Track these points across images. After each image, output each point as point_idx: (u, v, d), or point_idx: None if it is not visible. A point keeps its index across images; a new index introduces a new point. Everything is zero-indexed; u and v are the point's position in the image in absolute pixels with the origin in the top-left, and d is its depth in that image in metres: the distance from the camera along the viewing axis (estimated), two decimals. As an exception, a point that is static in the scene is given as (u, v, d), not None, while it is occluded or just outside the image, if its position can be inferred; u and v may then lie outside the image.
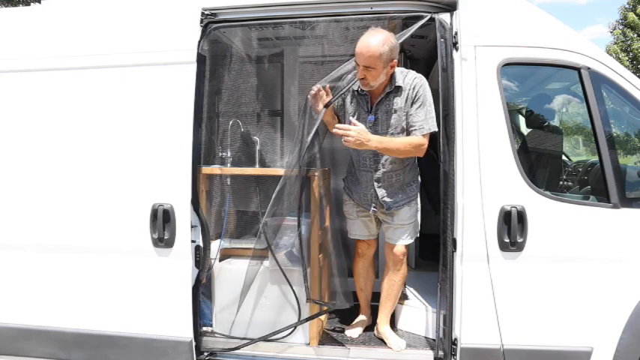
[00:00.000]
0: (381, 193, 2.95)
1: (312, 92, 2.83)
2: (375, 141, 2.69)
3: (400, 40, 2.76)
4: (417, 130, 2.77)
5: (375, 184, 2.94)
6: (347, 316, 3.52)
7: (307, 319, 2.99)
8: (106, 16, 3.07)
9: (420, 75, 2.85)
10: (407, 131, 2.83)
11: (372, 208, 3.02)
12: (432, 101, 2.81)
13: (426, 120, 2.78)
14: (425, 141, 2.80)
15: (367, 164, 2.95)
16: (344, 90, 2.85)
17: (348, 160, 3.23)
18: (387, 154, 2.84)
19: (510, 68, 2.76)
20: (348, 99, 2.97)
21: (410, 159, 2.96)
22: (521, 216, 2.60)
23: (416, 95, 2.78)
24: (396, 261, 3.06)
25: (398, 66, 2.81)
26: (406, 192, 3.01)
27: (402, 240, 3.04)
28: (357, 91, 2.90)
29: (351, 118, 2.88)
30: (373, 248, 3.27)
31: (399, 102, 2.80)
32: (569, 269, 2.63)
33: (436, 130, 2.76)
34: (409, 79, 2.82)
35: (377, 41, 2.58)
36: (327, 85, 2.87)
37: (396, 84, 2.79)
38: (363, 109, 2.91)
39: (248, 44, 3.39)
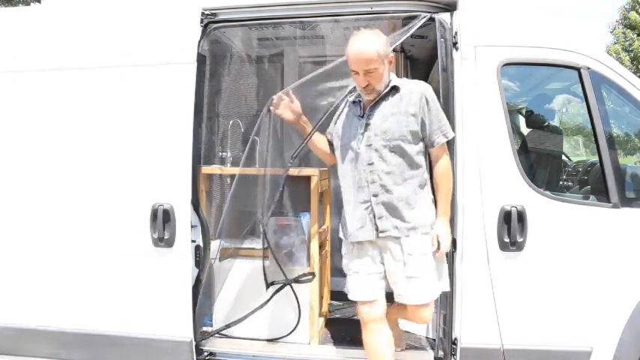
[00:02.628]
0: (378, 211, 2.45)
1: (274, 102, 2.71)
2: (444, 219, 2.48)
3: (400, 41, 2.74)
4: (442, 136, 2.45)
5: (373, 198, 2.46)
6: (347, 315, 3.52)
7: None
8: (107, 16, 3.07)
9: (420, 81, 2.60)
10: (416, 140, 2.45)
11: (369, 233, 2.47)
12: (438, 105, 2.52)
13: (445, 125, 2.49)
14: (446, 151, 2.52)
15: (362, 179, 2.48)
16: (339, 106, 2.67)
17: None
18: (448, 198, 2.50)
19: (510, 68, 2.76)
20: (340, 116, 2.67)
21: (415, 171, 2.47)
22: (521, 216, 2.60)
23: (424, 100, 2.43)
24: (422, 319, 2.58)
25: (398, 71, 2.74)
26: (415, 211, 2.45)
27: (426, 292, 2.45)
28: (353, 101, 2.61)
29: (340, 129, 2.60)
30: (383, 307, 2.54)
31: (395, 104, 2.44)
32: (569, 269, 2.63)
33: (453, 135, 2.52)
34: (409, 84, 2.53)
35: (369, 40, 2.35)
36: (290, 91, 2.75)
37: (392, 84, 2.47)
38: (355, 115, 2.56)
39: (248, 44, 3.39)
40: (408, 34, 2.75)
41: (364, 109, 2.53)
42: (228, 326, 3.06)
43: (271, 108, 2.76)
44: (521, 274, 2.64)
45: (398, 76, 2.67)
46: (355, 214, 2.49)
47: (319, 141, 2.82)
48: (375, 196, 2.43)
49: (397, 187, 2.40)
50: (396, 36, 2.75)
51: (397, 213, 2.41)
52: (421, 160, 2.47)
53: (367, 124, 2.45)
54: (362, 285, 2.51)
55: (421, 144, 2.46)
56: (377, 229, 2.43)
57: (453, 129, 2.64)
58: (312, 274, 3.03)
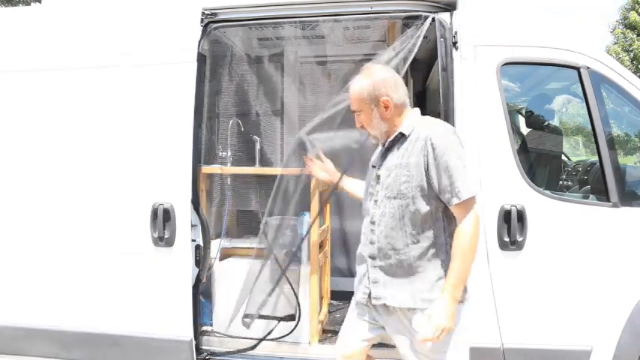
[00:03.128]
0: (374, 275, 2.11)
1: (307, 167, 2.66)
2: (447, 297, 1.93)
3: (415, 50, 2.62)
4: (453, 198, 1.93)
5: (370, 260, 2.12)
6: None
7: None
8: (107, 16, 3.08)
9: (440, 122, 2.13)
10: (425, 198, 2.00)
11: (362, 294, 2.15)
12: (462, 153, 1.98)
13: (461, 180, 1.92)
14: (471, 211, 1.94)
15: (365, 234, 2.18)
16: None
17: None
18: (462, 274, 1.94)
19: (510, 68, 2.76)
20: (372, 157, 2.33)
21: (422, 235, 2.03)
22: (521, 215, 2.60)
23: (429, 148, 1.96)
24: None
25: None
26: (419, 282, 2.02)
27: None
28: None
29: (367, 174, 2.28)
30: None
31: (401, 155, 2.05)
32: (569, 268, 2.63)
33: (476, 193, 1.95)
34: (420, 127, 2.05)
35: (358, 79, 2.11)
36: (320, 151, 2.70)
37: (400, 130, 2.08)
38: (372, 163, 2.27)
39: (248, 44, 3.40)
40: (420, 40, 2.66)
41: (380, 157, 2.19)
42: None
43: (306, 170, 2.71)
44: (521, 273, 2.64)
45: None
46: (358, 268, 2.22)
47: (353, 188, 2.61)
48: (373, 258, 2.10)
49: (397, 252, 2.03)
50: (408, 42, 2.67)
51: (396, 281, 2.04)
52: (433, 221, 2.01)
53: (377, 176, 2.13)
54: (346, 336, 2.28)
55: (435, 202, 2.00)
56: (369, 294, 2.11)
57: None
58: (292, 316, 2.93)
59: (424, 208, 1.98)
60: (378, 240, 2.07)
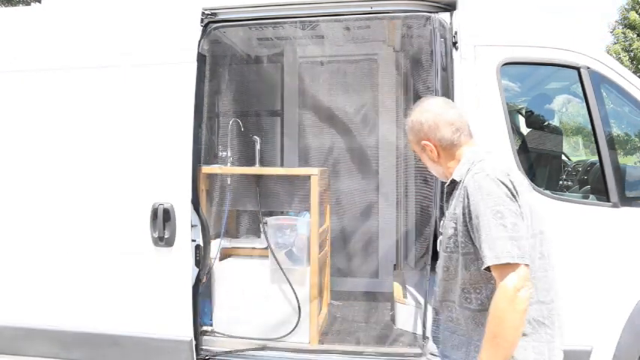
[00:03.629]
0: (434, 329, 1.92)
1: None
2: None
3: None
4: (482, 261, 1.58)
5: (433, 312, 1.93)
6: (347, 315, 3.52)
7: None
8: (107, 16, 3.07)
9: (491, 163, 1.70)
10: (471, 255, 1.69)
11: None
12: (500, 209, 1.57)
13: (489, 242, 1.55)
14: (503, 282, 1.53)
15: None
16: None
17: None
18: (500, 347, 1.55)
19: (510, 68, 2.76)
20: None
21: (472, 295, 1.72)
22: (521, 215, 2.59)
23: (465, 199, 1.68)
24: None
25: (398, 73, 2.49)
26: (472, 351, 1.72)
27: None
28: None
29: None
30: None
31: (451, 204, 1.80)
32: (569, 268, 2.63)
33: (510, 261, 1.52)
34: (470, 173, 1.71)
35: (409, 116, 1.89)
36: None
37: (453, 177, 1.80)
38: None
39: (248, 44, 3.40)
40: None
41: None
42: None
43: None
44: (521, 273, 2.64)
45: (406, 87, 2.45)
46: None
47: None
48: (436, 312, 1.91)
49: (451, 311, 1.80)
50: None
51: (452, 343, 1.81)
52: (485, 282, 1.69)
53: (442, 224, 1.90)
54: None
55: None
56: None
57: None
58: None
59: (472, 266, 1.68)
60: (439, 294, 1.87)
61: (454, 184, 1.78)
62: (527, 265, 1.54)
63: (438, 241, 1.89)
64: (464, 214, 1.67)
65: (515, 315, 1.53)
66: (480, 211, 1.59)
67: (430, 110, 1.84)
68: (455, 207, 1.73)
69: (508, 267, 1.53)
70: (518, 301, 1.52)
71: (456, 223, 1.72)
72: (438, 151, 1.83)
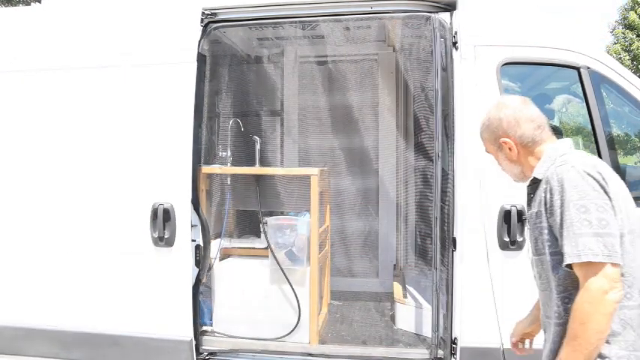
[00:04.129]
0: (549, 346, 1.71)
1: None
2: None
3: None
4: (567, 256, 1.48)
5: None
6: (347, 315, 3.52)
7: None
8: (107, 16, 3.07)
9: (577, 157, 1.60)
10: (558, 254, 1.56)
11: None
12: (585, 204, 1.48)
13: (569, 237, 1.48)
14: (587, 281, 1.44)
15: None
16: None
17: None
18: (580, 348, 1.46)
19: (510, 68, 2.76)
20: None
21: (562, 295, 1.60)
22: (521, 215, 2.60)
23: (548, 194, 1.58)
24: None
25: (398, 73, 2.53)
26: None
27: None
28: None
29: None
30: None
31: (534, 203, 1.70)
32: (569, 268, 2.63)
33: (593, 259, 1.42)
34: (555, 164, 1.63)
35: (483, 119, 1.83)
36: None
37: (534, 175, 1.71)
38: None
39: (248, 44, 3.40)
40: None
41: None
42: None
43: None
44: (521, 273, 2.64)
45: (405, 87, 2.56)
46: None
47: None
48: (543, 327, 1.81)
49: (550, 320, 1.68)
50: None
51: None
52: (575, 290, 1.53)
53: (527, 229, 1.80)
54: None
55: None
56: None
57: (453, 129, 2.62)
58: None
59: (561, 268, 1.54)
60: (542, 308, 1.77)
61: (536, 183, 1.69)
62: (616, 264, 1.41)
63: (527, 248, 1.77)
64: (546, 209, 1.58)
65: (599, 318, 1.42)
66: (564, 206, 1.50)
67: (510, 106, 1.76)
68: (539, 205, 1.63)
69: (592, 266, 1.43)
70: (604, 303, 1.41)
71: (541, 222, 1.62)
72: (517, 149, 1.74)
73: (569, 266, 1.47)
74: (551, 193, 1.56)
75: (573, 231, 1.47)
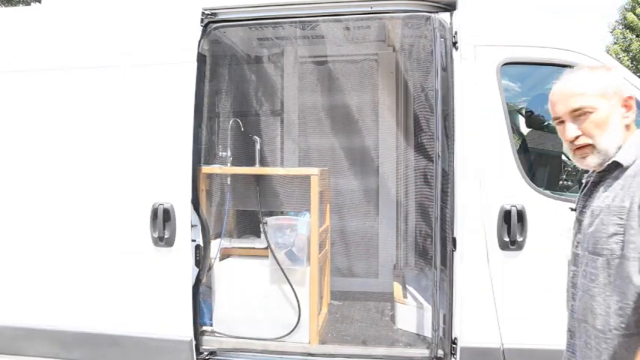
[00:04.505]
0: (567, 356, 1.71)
1: None
2: None
3: None
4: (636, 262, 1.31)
5: (567, 335, 1.76)
6: (347, 315, 3.52)
7: None
8: (107, 16, 3.07)
9: None
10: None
11: None
12: None
13: None
14: None
15: (567, 293, 1.79)
16: None
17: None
18: None
19: (510, 68, 2.76)
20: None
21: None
22: (521, 215, 2.60)
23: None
24: None
25: (398, 73, 2.59)
26: None
27: None
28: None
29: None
30: None
31: (607, 195, 1.42)
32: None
33: None
34: None
35: (585, 70, 1.54)
36: None
37: (615, 159, 1.42)
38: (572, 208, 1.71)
39: (248, 44, 3.40)
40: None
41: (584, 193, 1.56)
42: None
43: None
44: (521, 273, 2.64)
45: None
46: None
47: None
48: (571, 334, 1.69)
49: (596, 331, 1.48)
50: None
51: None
52: None
53: (579, 222, 1.57)
54: None
55: None
56: None
57: (453, 129, 2.62)
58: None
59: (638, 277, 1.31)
60: (578, 309, 1.58)
61: (608, 171, 1.43)
62: None
63: (576, 246, 1.58)
64: (631, 204, 1.33)
65: None
66: None
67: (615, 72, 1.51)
68: (620, 198, 1.37)
69: None
70: None
71: (622, 219, 1.36)
72: (632, 113, 1.43)
73: None
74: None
75: None
